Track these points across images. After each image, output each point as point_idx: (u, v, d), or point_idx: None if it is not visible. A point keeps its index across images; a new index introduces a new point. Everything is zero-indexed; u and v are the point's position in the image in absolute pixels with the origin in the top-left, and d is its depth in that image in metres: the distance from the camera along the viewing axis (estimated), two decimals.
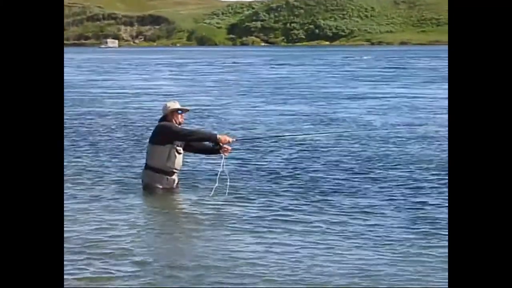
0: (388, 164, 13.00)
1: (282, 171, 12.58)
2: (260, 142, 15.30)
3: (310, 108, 24.28)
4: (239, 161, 13.39)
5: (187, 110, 11.32)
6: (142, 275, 7.23)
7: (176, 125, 10.79)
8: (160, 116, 11.16)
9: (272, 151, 14.65)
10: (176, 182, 11.11)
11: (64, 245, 6.49)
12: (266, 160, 13.71)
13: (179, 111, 10.90)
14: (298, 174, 12.28)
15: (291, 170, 12.58)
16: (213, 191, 10.75)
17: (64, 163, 11.40)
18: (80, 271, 7.22)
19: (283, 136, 15.34)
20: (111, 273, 7.23)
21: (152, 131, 11.30)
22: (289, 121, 20.58)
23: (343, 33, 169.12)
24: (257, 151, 14.62)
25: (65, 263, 6.71)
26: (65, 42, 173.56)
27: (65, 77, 35.92)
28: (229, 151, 11.04)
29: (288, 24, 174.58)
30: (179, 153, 10.93)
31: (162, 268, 7.44)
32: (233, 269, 7.29)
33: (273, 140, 15.44)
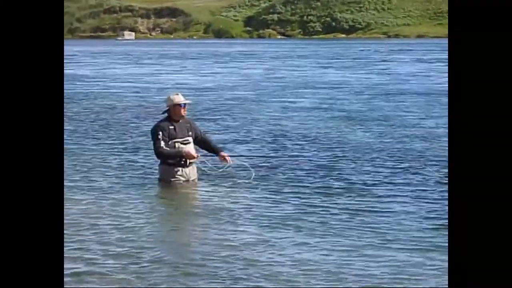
0: None
1: None
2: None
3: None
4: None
5: (189, 103, 11.45)
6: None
7: (159, 139, 11.01)
8: (164, 109, 11.37)
9: None
10: (193, 173, 11.25)
11: None
12: None
13: (181, 104, 11.06)
14: None
15: None
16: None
17: None
18: None
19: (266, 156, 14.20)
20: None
21: None
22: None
23: (359, 26, 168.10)
24: None
25: None
26: (81, 34, 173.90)
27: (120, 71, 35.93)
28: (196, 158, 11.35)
29: (304, 17, 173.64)
30: (186, 143, 11.07)
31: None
32: None
33: None
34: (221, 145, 12.77)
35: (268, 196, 10.54)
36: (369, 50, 71.72)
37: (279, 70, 42.29)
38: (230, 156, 11.74)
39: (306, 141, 15.77)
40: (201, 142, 11.53)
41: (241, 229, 8.86)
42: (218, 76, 38.01)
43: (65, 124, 17.45)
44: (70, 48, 71.04)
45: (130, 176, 12.01)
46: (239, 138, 16.25)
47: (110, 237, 8.57)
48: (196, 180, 11.39)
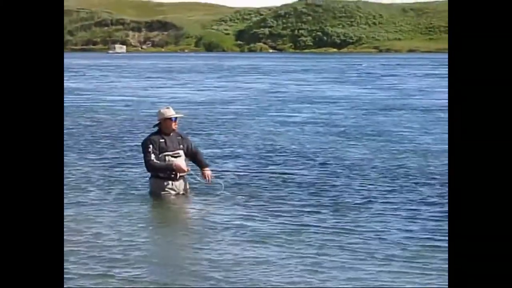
0: None
1: None
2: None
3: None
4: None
5: (180, 116, 11.42)
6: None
7: (149, 152, 10.97)
8: (155, 123, 11.33)
9: None
10: (183, 186, 11.19)
11: None
12: None
13: (172, 118, 11.03)
14: None
15: None
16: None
17: None
18: None
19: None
20: None
21: None
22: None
23: (351, 40, 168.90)
24: None
25: None
26: (73, 47, 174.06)
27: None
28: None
29: (296, 31, 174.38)
30: (177, 157, 11.02)
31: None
32: None
33: None
34: (208, 160, 12.64)
35: (254, 212, 10.37)
36: (369, 64, 71.84)
37: (280, 85, 42.21)
38: (212, 173, 11.68)
39: (296, 156, 15.55)
40: (192, 155, 11.44)
41: (228, 246, 8.69)
42: (218, 90, 37.81)
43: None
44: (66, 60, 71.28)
45: (118, 190, 11.84)
46: (227, 154, 16.01)
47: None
48: (187, 193, 11.31)
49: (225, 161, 14.89)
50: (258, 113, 25.44)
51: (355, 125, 21.90)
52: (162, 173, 11.11)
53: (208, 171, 11.49)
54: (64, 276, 6.34)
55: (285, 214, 10.20)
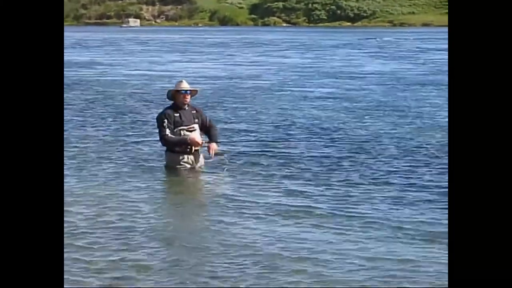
0: None
1: None
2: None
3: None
4: None
5: (195, 91, 11.52)
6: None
7: (164, 127, 11.11)
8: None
9: None
10: (199, 159, 11.32)
11: None
12: None
13: (183, 91, 11.15)
14: None
15: None
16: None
17: None
18: None
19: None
20: None
21: None
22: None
23: (364, 14, 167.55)
24: None
25: None
26: (87, 21, 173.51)
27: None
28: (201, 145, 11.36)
29: (309, 5, 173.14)
30: (192, 131, 11.14)
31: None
32: None
33: None
34: (226, 134, 12.81)
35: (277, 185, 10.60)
36: (402, 39, 70.56)
37: (309, 59, 41.86)
38: (219, 149, 11.76)
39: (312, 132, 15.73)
40: (206, 129, 11.56)
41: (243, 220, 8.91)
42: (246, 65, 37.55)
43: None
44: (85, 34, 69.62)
45: (135, 163, 12.08)
46: (247, 127, 16.21)
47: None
48: (203, 167, 11.46)
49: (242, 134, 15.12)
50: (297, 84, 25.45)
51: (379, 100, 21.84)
52: (178, 147, 11.28)
53: (214, 146, 11.47)
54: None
55: (297, 192, 10.32)
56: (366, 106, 20.30)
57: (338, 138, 14.79)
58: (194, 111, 11.37)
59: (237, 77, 30.24)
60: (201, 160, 11.48)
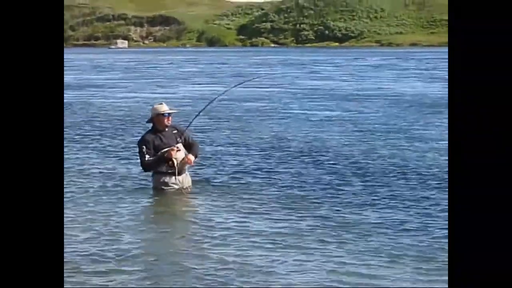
0: None
1: None
2: None
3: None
4: None
5: (174, 112, 11.32)
6: None
7: (143, 153, 10.92)
8: (148, 119, 11.35)
9: None
10: (187, 180, 11.17)
11: None
12: None
13: (165, 114, 10.97)
14: None
15: None
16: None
17: None
18: None
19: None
20: None
21: None
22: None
23: (352, 34, 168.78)
24: None
25: None
26: (75, 42, 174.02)
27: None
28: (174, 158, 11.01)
29: (297, 25, 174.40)
30: (176, 152, 10.98)
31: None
32: None
33: None
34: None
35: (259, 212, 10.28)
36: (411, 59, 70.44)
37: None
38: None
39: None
40: (188, 146, 11.24)
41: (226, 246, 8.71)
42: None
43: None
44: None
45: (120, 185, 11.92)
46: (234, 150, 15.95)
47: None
48: (189, 188, 11.26)
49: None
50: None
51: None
52: (159, 168, 11.00)
53: (191, 157, 11.10)
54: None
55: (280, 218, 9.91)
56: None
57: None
58: (175, 131, 11.15)
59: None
60: (189, 180, 11.30)
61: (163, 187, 11.05)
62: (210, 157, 14.36)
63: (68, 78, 39.77)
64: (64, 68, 42.38)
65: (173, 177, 11.02)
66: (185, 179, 11.16)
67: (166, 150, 10.87)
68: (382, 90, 32.87)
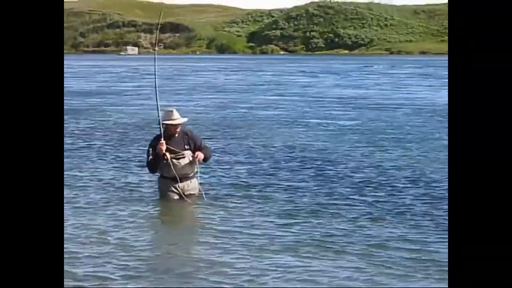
0: None
1: None
2: None
3: None
4: None
5: (181, 123, 11.10)
6: None
7: (149, 155, 10.94)
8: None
9: None
10: (193, 186, 11.11)
11: None
12: None
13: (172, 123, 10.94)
14: None
15: None
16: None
17: None
18: None
19: None
20: None
21: None
22: None
23: (362, 42, 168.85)
24: None
25: None
26: (85, 49, 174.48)
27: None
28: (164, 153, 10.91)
29: (307, 33, 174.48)
30: (180, 158, 10.90)
31: None
32: None
33: None
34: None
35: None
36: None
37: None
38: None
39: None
40: (199, 150, 11.12)
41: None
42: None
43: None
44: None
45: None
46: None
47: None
48: (197, 194, 11.15)
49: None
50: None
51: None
52: (158, 164, 10.92)
53: (200, 154, 10.95)
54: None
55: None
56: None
57: None
58: (186, 136, 11.08)
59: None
60: (195, 187, 11.17)
61: (168, 192, 11.03)
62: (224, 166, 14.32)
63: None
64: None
65: (176, 184, 10.93)
66: (189, 186, 11.05)
67: (159, 148, 10.77)
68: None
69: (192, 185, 11.10)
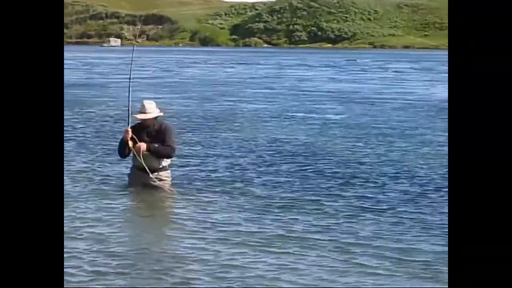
0: None
1: None
2: None
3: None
4: None
5: (158, 116, 11.20)
6: None
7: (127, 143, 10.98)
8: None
9: None
10: (165, 176, 11.15)
11: None
12: None
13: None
14: None
15: None
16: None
17: None
18: None
19: None
20: None
21: None
22: None
23: (345, 36, 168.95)
24: None
25: None
26: (67, 40, 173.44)
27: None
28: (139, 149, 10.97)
29: (290, 26, 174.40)
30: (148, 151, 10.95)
31: None
32: None
33: None
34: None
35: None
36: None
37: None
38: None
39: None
40: (164, 145, 11.03)
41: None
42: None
43: None
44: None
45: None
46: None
47: None
48: (167, 188, 11.12)
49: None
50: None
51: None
52: (124, 149, 11.05)
53: (143, 146, 10.89)
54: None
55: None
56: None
57: None
58: (160, 129, 11.06)
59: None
60: (166, 179, 11.17)
61: (133, 182, 11.19)
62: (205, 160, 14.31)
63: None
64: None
65: (146, 175, 10.90)
66: (160, 177, 11.06)
67: (125, 136, 10.99)
68: None
69: (162, 177, 11.07)
